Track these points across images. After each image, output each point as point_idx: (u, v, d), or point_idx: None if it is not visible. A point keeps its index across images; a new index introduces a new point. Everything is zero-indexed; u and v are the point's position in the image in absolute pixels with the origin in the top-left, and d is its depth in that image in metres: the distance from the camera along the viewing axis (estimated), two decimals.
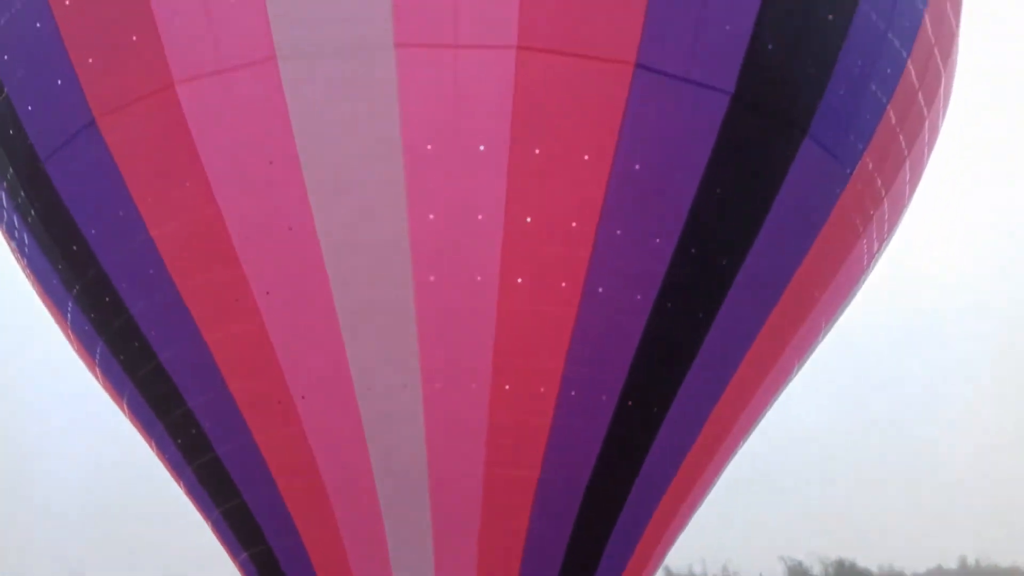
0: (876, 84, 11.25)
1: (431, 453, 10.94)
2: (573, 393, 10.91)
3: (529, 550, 11.37)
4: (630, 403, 11.17)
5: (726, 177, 10.63)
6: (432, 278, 10.40)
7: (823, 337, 13.41)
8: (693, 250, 10.80)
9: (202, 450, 11.88)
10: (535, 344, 10.71)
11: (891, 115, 11.61)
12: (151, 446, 13.01)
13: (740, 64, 10.35)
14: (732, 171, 10.65)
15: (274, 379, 10.95)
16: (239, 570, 12.80)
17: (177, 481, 13.03)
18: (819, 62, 10.80)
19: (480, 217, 10.25)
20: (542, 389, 10.84)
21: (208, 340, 11.08)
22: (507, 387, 10.74)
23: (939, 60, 12.11)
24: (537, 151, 10.16)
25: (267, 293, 10.67)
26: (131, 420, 13.09)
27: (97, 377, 12.99)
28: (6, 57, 11.08)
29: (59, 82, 10.73)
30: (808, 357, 13.35)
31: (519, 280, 10.45)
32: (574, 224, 10.40)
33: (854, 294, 13.43)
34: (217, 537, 12.98)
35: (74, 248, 11.43)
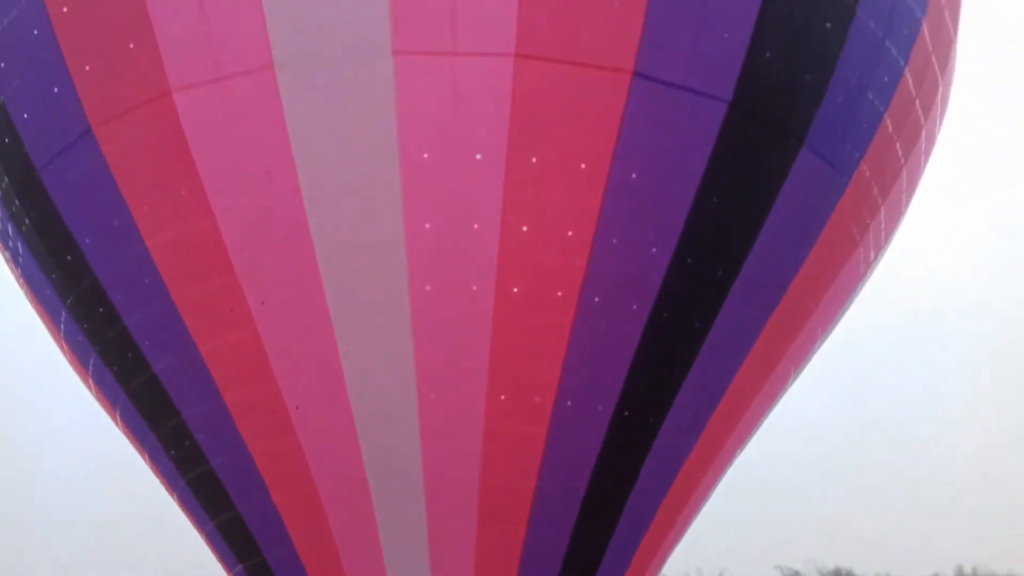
0: (873, 92, 11.25)
1: (426, 463, 10.91)
2: (569, 403, 10.88)
3: (526, 560, 11.34)
4: (626, 413, 11.15)
5: (723, 186, 10.62)
6: (428, 287, 10.37)
7: (819, 346, 13.40)
8: (689, 260, 10.78)
9: (196, 462, 11.82)
10: (531, 354, 10.68)
11: (888, 123, 11.60)
12: (144, 459, 12.95)
13: (738, 72, 10.34)
14: (729, 180, 10.63)
15: (269, 390, 10.91)
16: None
17: (170, 493, 12.96)
18: (817, 70, 10.80)
19: (476, 226, 10.22)
20: (538, 399, 10.81)
21: (203, 351, 11.03)
22: (503, 397, 10.71)
23: (937, 68, 12.12)
24: (534, 159, 10.13)
25: (262, 303, 10.63)
26: (124, 432, 13.02)
27: (90, 388, 12.93)
28: (2, 64, 11.03)
29: (56, 90, 10.69)
30: (804, 366, 13.34)
31: (515, 289, 10.42)
32: (570, 233, 10.37)
33: (851, 303, 13.43)
34: (211, 550, 12.92)
35: (69, 258, 11.37)
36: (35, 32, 10.68)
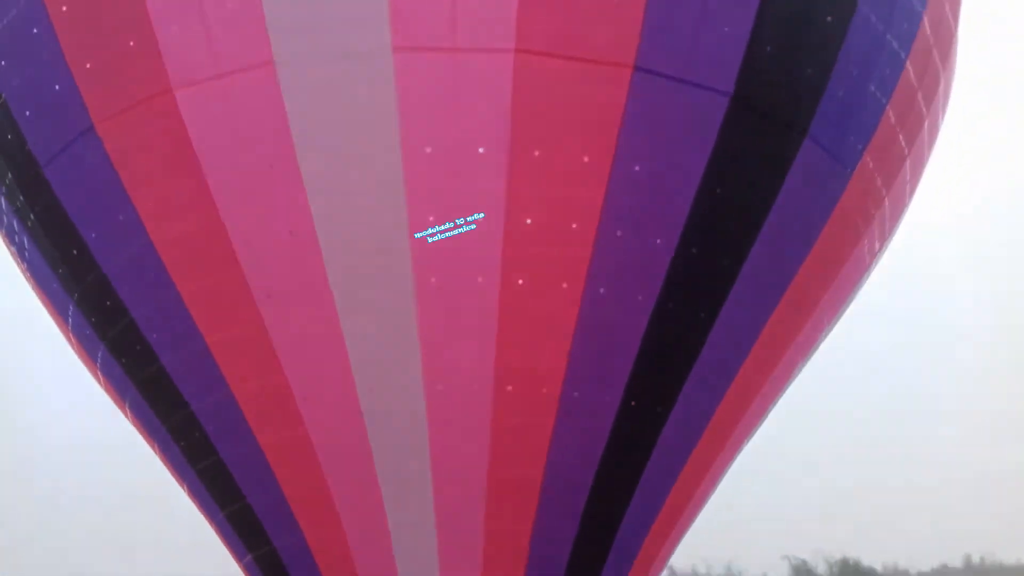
0: (875, 84, 11.23)
1: (434, 453, 10.96)
2: (576, 394, 10.91)
3: (535, 549, 11.38)
4: (633, 403, 11.18)
5: (726, 177, 10.62)
6: (433, 280, 10.42)
7: (826, 336, 13.42)
8: (694, 250, 10.80)
9: (205, 453, 11.91)
10: (537, 345, 10.72)
11: (890, 115, 11.59)
12: (154, 449, 13.04)
13: (739, 65, 10.35)
14: (732, 171, 10.63)
15: (276, 382, 10.97)
16: (243, 572, 12.82)
17: (180, 484, 13.06)
18: (818, 63, 10.79)
19: (480, 219, 10.26)
20: (544, 390, 10.85)
21: (209, 342, 11.09)
22: (510, 388, 10.75)
23: (938, 60, 12.10)
24: (536, 153, 10.16)
25: (268, 296, 10.69)
26: (133, 423, 13.12)
27: (99, 381, 13.02)
28: (3, 63, 11.08)
29: (57, 87, 10.74)
30: (811, 356, 13.36)
31: (520, 282, 10.46)
32: (574, 226, 10.40)
33: (856, 293, 13.44)
34: (222, 540, 13.01)
35: (74, 252, 11.44)
36: (35, 31, 10.72)
